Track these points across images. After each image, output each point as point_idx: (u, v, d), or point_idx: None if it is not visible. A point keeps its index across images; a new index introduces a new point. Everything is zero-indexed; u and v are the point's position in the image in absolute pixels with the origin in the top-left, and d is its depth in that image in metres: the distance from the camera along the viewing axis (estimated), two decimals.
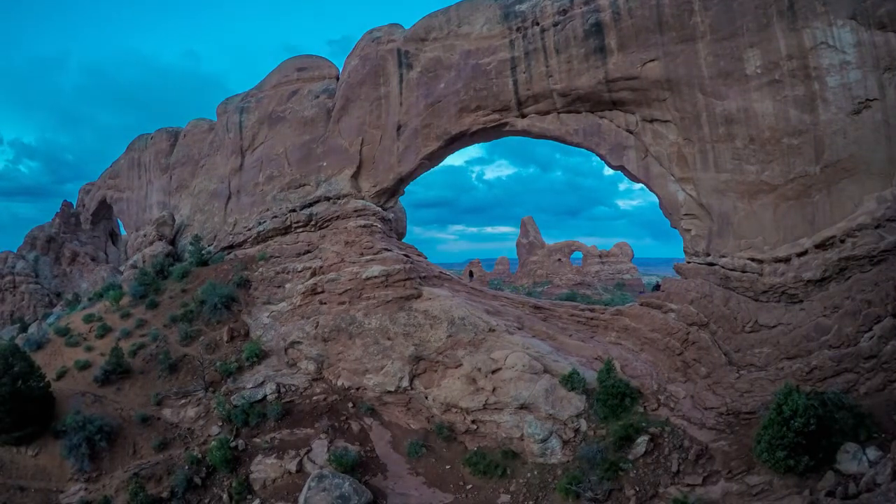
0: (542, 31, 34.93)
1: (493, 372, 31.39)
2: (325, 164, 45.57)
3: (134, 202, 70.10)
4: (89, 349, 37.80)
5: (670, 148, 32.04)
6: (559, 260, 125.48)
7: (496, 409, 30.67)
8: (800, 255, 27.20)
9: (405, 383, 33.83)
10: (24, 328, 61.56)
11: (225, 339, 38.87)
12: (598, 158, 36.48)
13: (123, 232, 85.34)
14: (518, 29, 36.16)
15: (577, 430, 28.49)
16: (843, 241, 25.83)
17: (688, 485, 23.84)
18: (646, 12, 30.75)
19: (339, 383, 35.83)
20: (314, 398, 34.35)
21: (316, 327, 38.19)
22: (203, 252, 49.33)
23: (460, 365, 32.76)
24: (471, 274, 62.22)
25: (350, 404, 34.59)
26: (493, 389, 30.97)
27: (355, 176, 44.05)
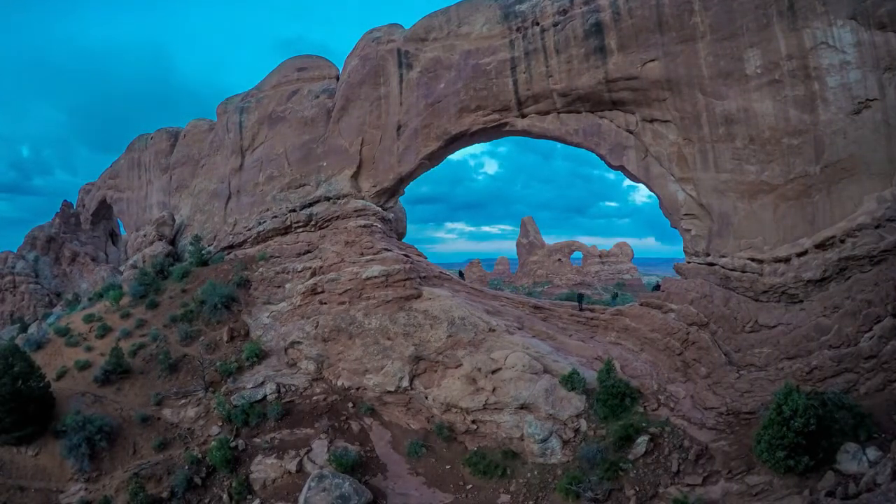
0: (542, 31, 34.94)
1: (493, 372, 31.39)
2: (325, 164, 45.58)
3: (134, 202, 70.13)
4: (89, 349, 37.80)
5: (670, 148, 32.04)
6: (559, 260, 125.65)
7: (496, 409, 30.67)
8: (800, 255, 27.21)
9: (405, 383, 33.83)
10: (24, 328, 61.58)
11: (225, 339, 38.87)
12: None
13: (123, 232, 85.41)
14: (518, 29, 36.17)
15: (577, 430, 28.49)
16: (843, 241, 25.83)
17: (688, 485, 23.83)
18: (646, 12, 30.75)
19: (339, 383, 35.83)
20: (314, 398, 34.35)
21: (316, 327, 38.19)
22: (203, 252, 49.34)
23: (460, 365, 32.77)
24: (461, 273, 62.28)
25: (350, 404, 34.59)
26: (493, 389, 30.97)
27: (355, 176, 44.06)
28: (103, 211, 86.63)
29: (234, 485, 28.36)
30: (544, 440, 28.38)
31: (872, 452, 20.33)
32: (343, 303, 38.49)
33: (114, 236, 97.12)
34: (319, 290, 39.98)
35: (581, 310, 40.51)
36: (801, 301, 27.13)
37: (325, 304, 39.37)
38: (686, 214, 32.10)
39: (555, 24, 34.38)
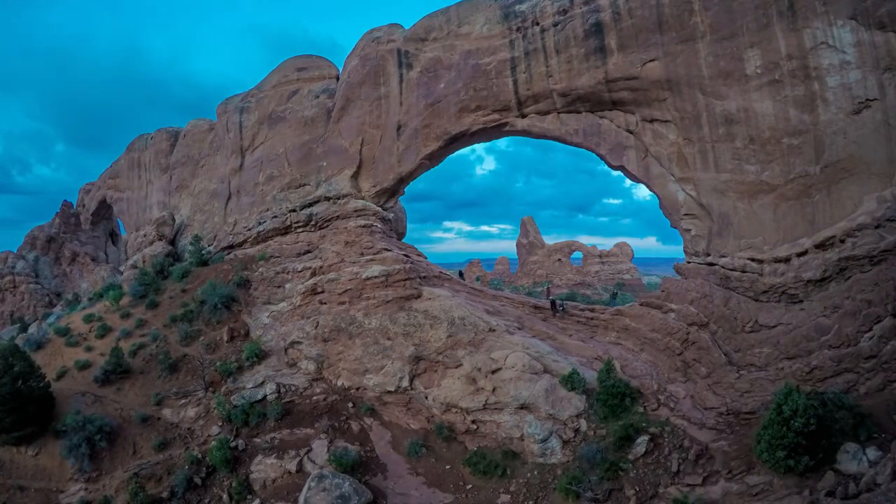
0: (542, 31, 34.94)
1: (493, 372, 31.39)
2: (325, 164, 45.58)
3: (134, 202, 70.14)
4: (89, 349, 37.81)
5: (670, 148, 32.04)
6: (559, 260, 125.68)
7: (496, 409, 30.67)
8: (800, 255, 27.20)
9: (405, 383, 33.83)
10: (24, 328, 61.57)
11: (225, 339, 38.87)
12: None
13: (123, 232, 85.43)
14: (518, 29, 36.16)
15: (577, 430, 28.49)
16: (843, 241, 25.82)
17: (688, 485, 23.82)
18: (646, 12, 30.75)
19: (339, 383, 35.84)
20: (314, 398, 34.36)
21: (316, 327, 38.19)
22: (203, 252, 49.35)
23: (460, 365, 32.76)
24: (461, 274, 62.32)
25: (350, 404, 34.59)
26: (493, 389, 30.97)
27: (355, 176, 44.07)
28: (103, 211, 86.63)
29: (234, 485, 28.36)
30: (544, 440, 28.38)
31: (872, 452, 20.33)
32: (343, 303, 38.49)
33: (114, 236, 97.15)
34: (319, 290, 39.98)
35: (555, 314, 40.15)
36: (801, 301, 27.12)
37: (325, 304, 39.37)
38: (686, 214, 32.09)
39: (555, 24, 34.37)
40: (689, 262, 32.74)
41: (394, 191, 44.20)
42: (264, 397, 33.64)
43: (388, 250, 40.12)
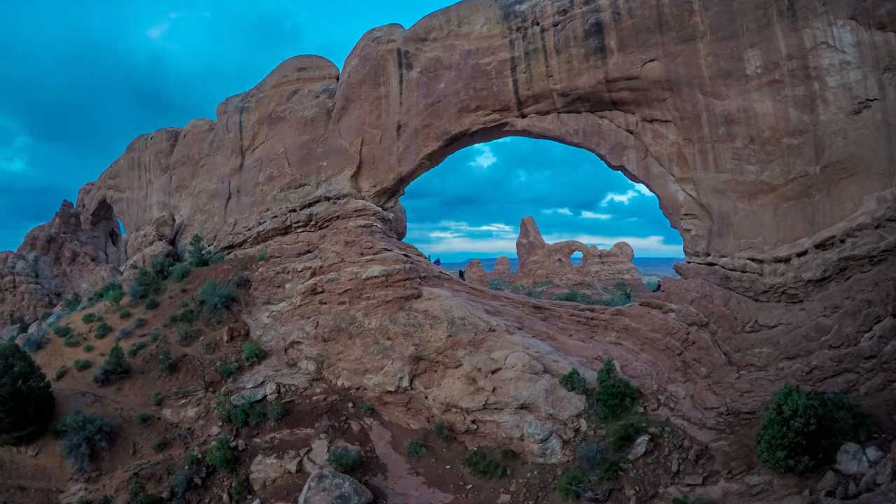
0: (542, 31, 34.94)
1: (493, 372, 31.39)
2: (325, 164, 45.58)
3: (134, 202, 70.17)
4: (89, 349, 37.82)
5: (670, 148, 32.04)
6: (559, 260, 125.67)
7: (496, 409, 30.67)
8: (800, 255, 27.21)
9: (405, 383, 33.84)
10: (24, 328, 61.61)
11: (225, 339, 38.88)
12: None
13: (123, 232, 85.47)
14: (518, 29, 36.16)
15: (577, 430, 28.49)
16: (843, 241, 25.84)
17: (688, 485, 23.82)
18: (646, 12, 30.75)
19: (339, 383, 35.84)
20: (314, 398, 34.36)
21: (316, 327, 38.20)
22: (203, 252, 49.39)
23: (460, 365, 32.76)
24: (461, 274, 61.62)
25: (350, 404, 34.59)
26: (493, 389, 30.96)
27: (355, 176, 44.07)
28: (103, 211, 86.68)
29: (234, 485, 28.36)
30: (544, 440, 28.38)
31: (872, 452, 20.33)
32: (343, 303, 38.50)
33: (114, 236, 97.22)
34: (319, 290, 39.98)
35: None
36: (801, 301, 27.13)
37: (325, 304, 39.38)
38: (686, 214, 32.10)
39: (555, 24, 34.37)
40: (689, 262, 32.75)
41: (394, 191, 44.21)
42: (264, 397, 33.65)
43: (388, 250, 40.12)
